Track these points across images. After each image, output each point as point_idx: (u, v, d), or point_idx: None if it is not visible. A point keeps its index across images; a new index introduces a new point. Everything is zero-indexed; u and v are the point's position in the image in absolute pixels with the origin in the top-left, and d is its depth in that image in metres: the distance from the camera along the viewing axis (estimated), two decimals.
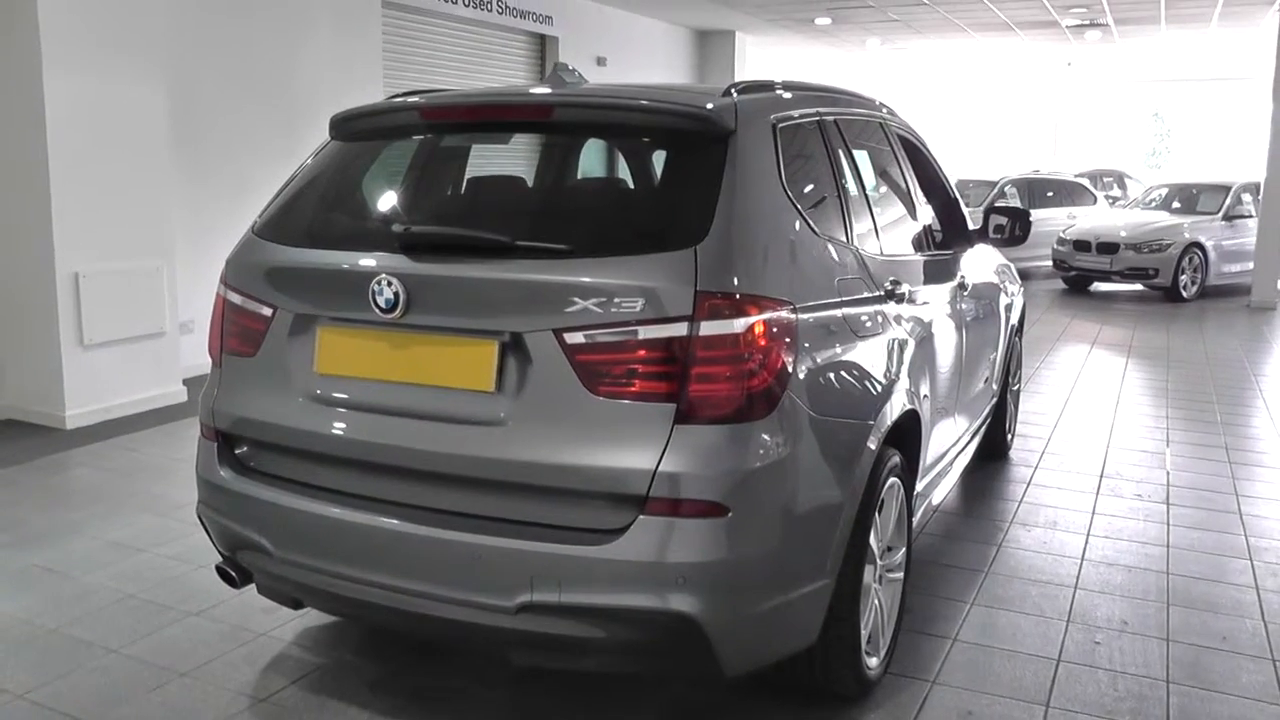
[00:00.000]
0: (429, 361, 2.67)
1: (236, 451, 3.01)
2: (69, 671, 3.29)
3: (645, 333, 2.43)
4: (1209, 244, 12.94)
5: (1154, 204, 14.44)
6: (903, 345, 3.33)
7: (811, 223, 2.90)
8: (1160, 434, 6.61)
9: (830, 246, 2.99)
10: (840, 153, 3.35)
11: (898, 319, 3.32)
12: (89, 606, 3.77)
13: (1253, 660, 3.53)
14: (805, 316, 2.68)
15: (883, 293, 3.24)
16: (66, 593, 3.90)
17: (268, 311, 2.89)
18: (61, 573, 4.08)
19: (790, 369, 2.56)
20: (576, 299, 2.46)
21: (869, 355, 3.02)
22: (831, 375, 2.76)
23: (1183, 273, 12.81)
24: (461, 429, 2.59)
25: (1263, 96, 22.94)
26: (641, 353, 2.44)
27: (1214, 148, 28.15)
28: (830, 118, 3.39)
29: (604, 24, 13.09)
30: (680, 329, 2.42)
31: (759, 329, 2.48)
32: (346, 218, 3.14)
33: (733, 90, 2.91)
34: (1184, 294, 12.89)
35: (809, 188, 3.04)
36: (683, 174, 2.76)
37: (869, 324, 3.07)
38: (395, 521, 2.63)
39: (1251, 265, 12.77)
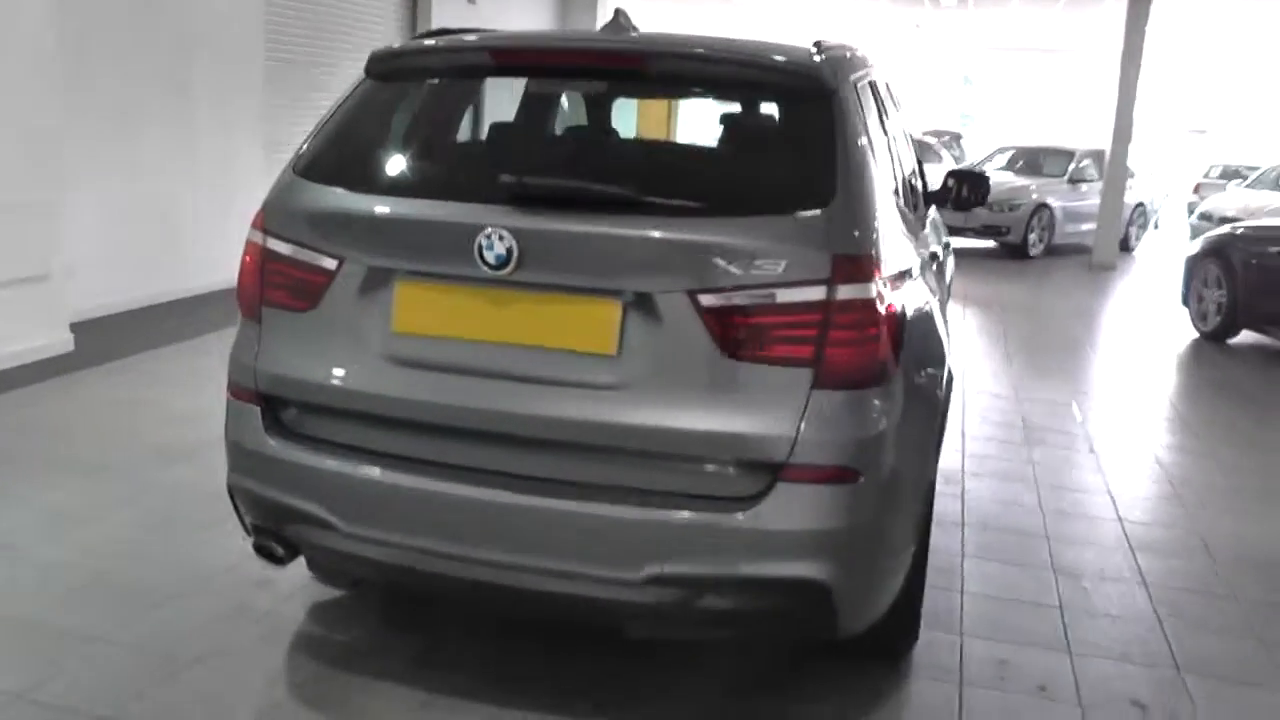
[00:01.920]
0: (540, 322, 2.49)
1: (282, 416, 2.74)
2: (63, 665, 2.94)
3: (783, 295, 2.36)
4: (1056, 205, 13.75)
5: (999, 166, 15.20)
6: (942, 305, 3.38)
7: (890, 185, 2.89)
8: (1064, 385, 7.02)
9: (903, 209, 2.99)
10: (884, 114, 3.36)
11: (939, 278, 3.37)
12: (57, 588, 3.38)
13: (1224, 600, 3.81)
14: (906, 279, 2.69)
15: (930, 254, 3.27)
16: (24, 574, 3.48)
17: (331, 263, 2.62)
18: (7, 547, 3.65)
19: (903, 332, 2.56)
20: (715, 259, 2.35)
21: (935, 316, 3.06)
22: (919, 337, 2.77)
23: (1031, 231, 13.58)
24: (577, 393, 2.44)
25: (1073, 68, 24.67)
26: (780, 316, 2.37)
27: (1021, 113, 29.69)
28: (873, 77, 3.37)
29: None
30: (818, 292, 2.36)
31: (885, 293, 2.46)
32: (428, 163, 2.88)
33: (819, 47, 2.84)
34: (1031, 252, 13.68)
35: (880, 150, 3.02)
36: (798, 131, 2.66)
37: (932, 285, 3.11)
38: (500, 492, 2.46)
39: (1093, 226, 13.67)
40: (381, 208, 2.62)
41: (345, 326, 2.61)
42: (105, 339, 6.53)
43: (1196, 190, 17.32)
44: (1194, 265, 8.93)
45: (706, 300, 2.36)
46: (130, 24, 7.30)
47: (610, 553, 2.41)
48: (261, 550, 2.82)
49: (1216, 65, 23.51)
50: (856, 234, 2.43)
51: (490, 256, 2.42)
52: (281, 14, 9.23)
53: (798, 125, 2.65)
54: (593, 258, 2.44)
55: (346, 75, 10.21)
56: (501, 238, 2.41)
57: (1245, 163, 18.32)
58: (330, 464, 2.61)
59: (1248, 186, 14.26)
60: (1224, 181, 17.16)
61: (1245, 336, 8.70)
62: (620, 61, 2.80)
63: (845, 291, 2.36)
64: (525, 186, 2.49)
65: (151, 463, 4.48)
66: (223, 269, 8.26)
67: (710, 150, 2.95)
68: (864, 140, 2.68)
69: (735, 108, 3.41)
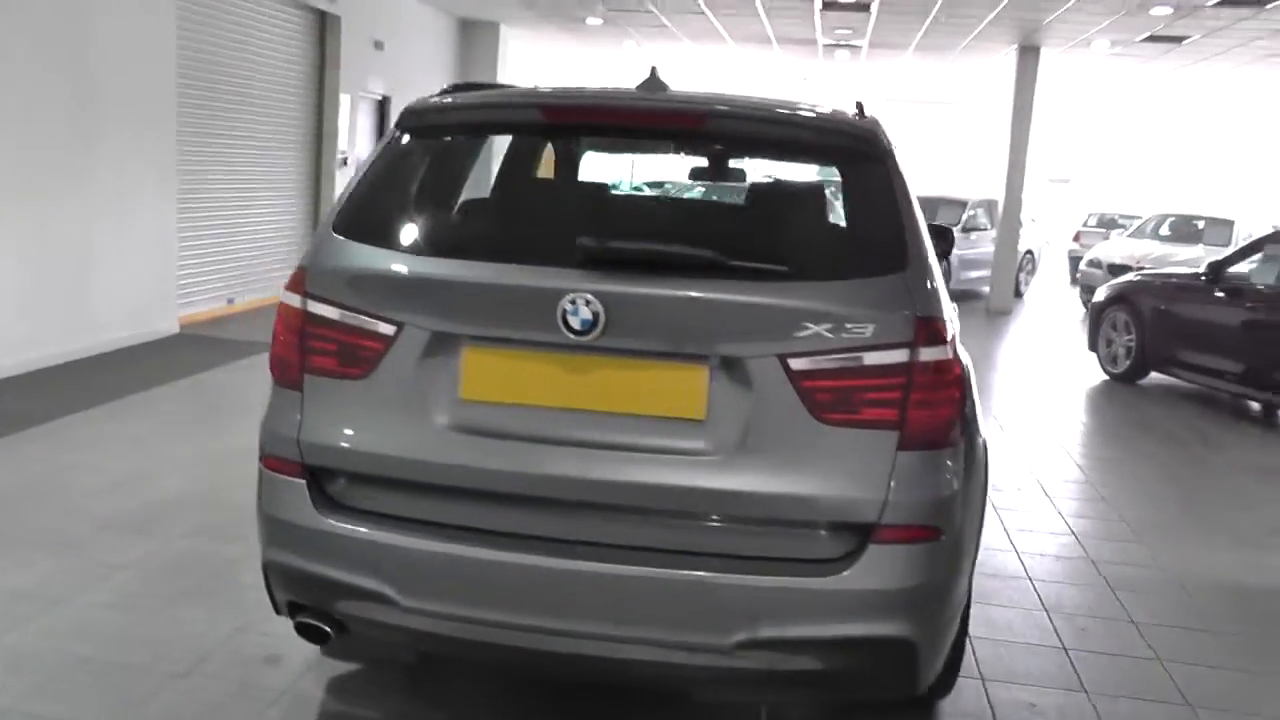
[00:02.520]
0: (624, 387, 2.43)
1: (329, 488, 2.58)
2: None
3: (870, 359, 2.37)
4: (953, 253, 14.26)
5: None
6: None
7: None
8: (989, 425, 7.23)
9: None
10: None
11: None
12: (37, 675, 3.10)
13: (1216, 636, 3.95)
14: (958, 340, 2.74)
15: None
16: None
17: (388, 329, 2.49)
18: None
19: (967, 393, 2.60)
20: (806, 323, 2.34)
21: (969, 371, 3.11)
22: (971, 398, 2.82)
23: None
24: (664, 459, 2.39)
25: (963, 119, 25.83)
26: (868, 379, 2.38)
27: (913, 163, 30.90)
28: None
29: (382, 7, 12.43)
30: (902, 355, 2.38)
31: (955, 354, 2.51)
32: (492, 224, 2.77)
33: (861, 109, 2.89)
34: None
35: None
36: (864, 194, 2.67)
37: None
38: (582, 562, 2.37)
39: (985, 273, 14.23)
40: (448, 271, 2.52)
41: (405, 395, 2.49)
42: (22, 401, 6.12)
43: (1077, 239, 18.22)
44: (1101, 311, 9.37)
45: (797, 364, 2.35)
46: (32, 76, 6.95)
47: (699, 619, 2.36)
48: (305, 630, 2.64)
49: (1075, 117, 24.93)
50: (931, 297, 2.47)
51: (575, 322, 2.35)
52: (191, 62, 8.95)
53: (862, 187, 2.66)
54: (680, 322, 2.39)
55: (257, 124, 9.99)
56: (588, 302, 2.34)
57: (1119, 211, 19.43)
58: (389, 536, 2.47)
59: (1130, 236, 15.10)
60: (1103, 230, 18.12)
61: (1154, 378, 9.15)
62: (683, 122, 2.77)
63: (927, 354, 2.39)
64: (610, 250, 2.43)
65: (106, 536, 4.19)
66: (135, 324, 7.90)
67: (788, 211, 2.94)
68: (914, 203, 2.73)
69: (795, 168, 3.41)
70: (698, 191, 7.65)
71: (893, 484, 2.37)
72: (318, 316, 2.56)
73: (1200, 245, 13.78)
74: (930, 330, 2.40)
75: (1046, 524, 5.20)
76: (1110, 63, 15.03)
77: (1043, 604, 4.15)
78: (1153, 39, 12.34)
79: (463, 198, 2.89)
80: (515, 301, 2.43)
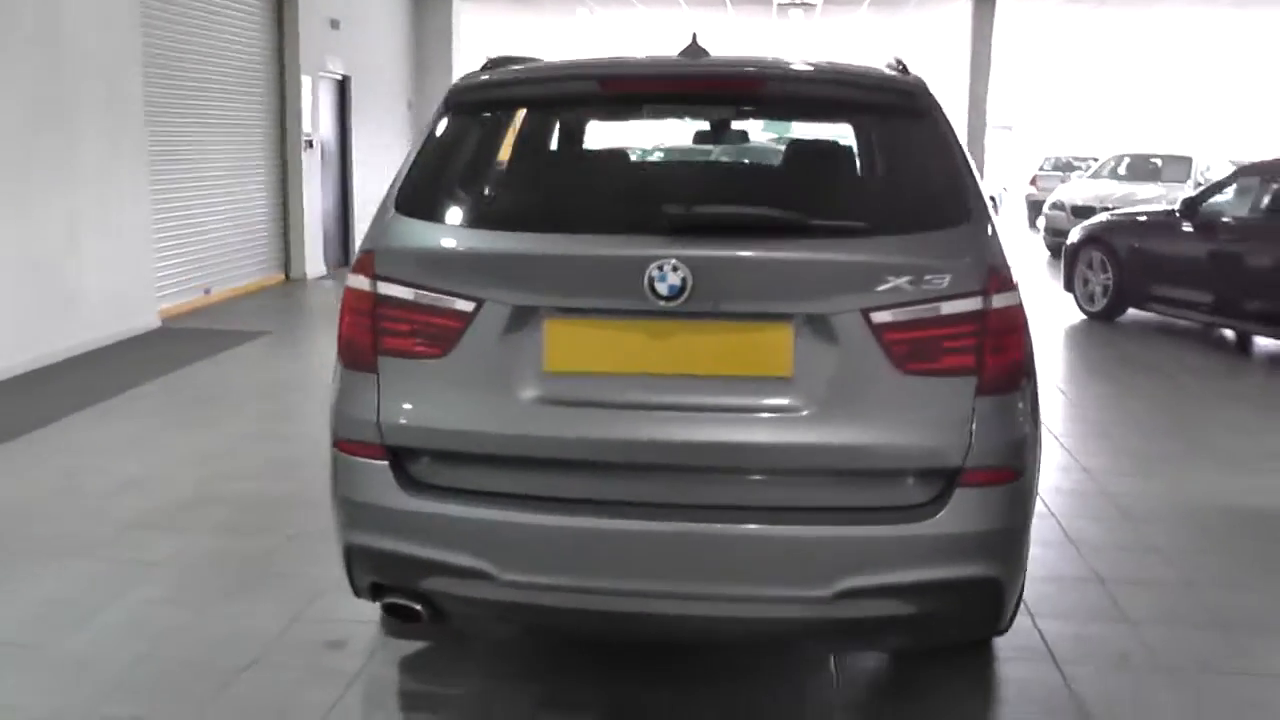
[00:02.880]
0: (711, 350, 2.46)
1: (411, 468, 2.58)
2: None
3: (948, 308, 2.42)
4: None
5: None
6: None
7: None
8: None
9: None
10: None
11: None
12: (103, 677, 3.07)
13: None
14: None
15: None
16: (48, 672, 3.13)
17: (467, 306, 2.48)
18: (17, 646, 3.28)
19: (1028, 335, 2.66)
20: (887, 277, 2.39)
21: None
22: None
23: None
24: (755, 418, 2.43)
25: (924, 72, 25.99)
26: (946, 328, 2.43)
27: None
28: None
29: None
30: (976, 303, 2.43)
31: (1020, 300, 2.56)
32: (564, 195, 2.77)
33: (904, 67, 2.92)
34: None
35: None
36: (922, 149, 2.69)
37: None
38: (682, 524, 2.42)
39: None
40: (527, 245, 2.52)
41: (488, 370, 2.49)
42: (12, 406, 6.00)
43: (1034, 183, 18.46)
44: (1076, 252, 9.52)
45: (879, 318, 2.40)
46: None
47: (799, 572, 2.42)
48: (396, 610, 2.65)
49: (1017, 65, 25.21)
50: (997, 246, 2.52)
51: (663, 288, 2.37)
52: (156, 49, 8.75)
53: (921, 142, 2.69)
54: (764, 283, 2.44)
55: (222, 109, 9.80)
56: (676, 268, 2.36)
57: (1073, 154, 19.70)
58: (481, 512, 2.48)
59: (1090, 177, 15.31)
60: (1059, 173, 18.36)
61: (1130, 314, 9.34)
62: (744, 86, 2.79)
63: (998, 300, 2.45)
64: (696, 215, 2.45)
65: (133, 536, 4.13)
66: (118, 321, 7.75)
67: (855, 169, 2.97)
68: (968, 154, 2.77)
69: (863, 126, 3.37)
70: (717, 154, 7.61)
71: (974, 428, 2.43)
72: (390, 298, 2.55)
73: (1159, 183, 14.02)
74: (1000, 278, 2.46)
75: (1057, 460, 5.31)
76: (1063, 9, 15.18)
77: (1069, 538, 4.25)
78: None
79: (518, 171, 2.87)
80: (600, 271, 2.45)
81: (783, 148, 3.91)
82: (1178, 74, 24.28)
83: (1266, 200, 8.04)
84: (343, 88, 12.53)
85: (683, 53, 2.98)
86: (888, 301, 2.40)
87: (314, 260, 11.59)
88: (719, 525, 2.41)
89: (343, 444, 2.63)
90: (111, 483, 4.74)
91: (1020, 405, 2.53)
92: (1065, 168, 18.78)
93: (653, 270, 2.37)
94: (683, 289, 2.37)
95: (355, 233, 12.84)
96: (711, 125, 3.90)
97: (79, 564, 3.86)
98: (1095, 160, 17.27)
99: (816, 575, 2.40)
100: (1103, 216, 10.00)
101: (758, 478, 2.48)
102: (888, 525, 2.41)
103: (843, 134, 3.66)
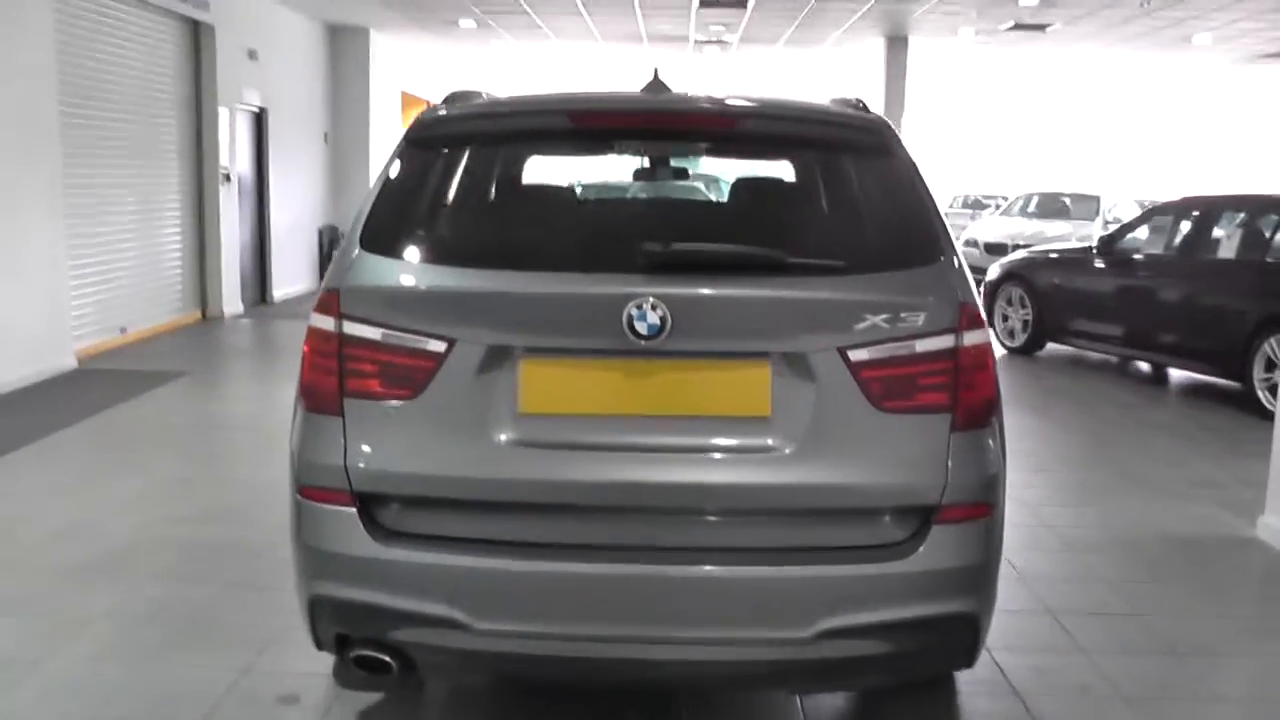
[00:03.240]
0: (689, 390, 2.43)
1: (379, 515, 2.49)
2: None
3: (922, 346, 2.44)
4: None
5: None
6: None
7: None
8: None
9: None
10: None
11: None
12: None
13: None
14: None
15: None
16: None
17: (438, 346, 2.42)
18: None
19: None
20: (864, 315, 2.40)
21: None
22: None
23: None
24: (733, 459, 2.41)
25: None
26: (921, 365, 2.45)
27: None
28: None
29: (253, 15, 11.98)
30: (950, 340, 2.46)
31: (990, 338, 2.61)
32: (536, 233, 2.71)
33: (864, 106, 2.97)
34: None
35: None
36: (892, 187, 2.71)
37: None
38: (662, 568, 2.37)
39: None
40: (501, 283, 2.46)
41: (460, 412, 2.43)
42: None
43: None
44: (996, 288, 9.79)
45: (856, 355, 2.41)
46: None
47: (779, 614, 2.39)
48: (364, 662, 2.54)
49: (921, 103, 25.97)
50: (967, 283, 2.56)
51: (642, 327, 2.34)
52: (70, 80, 8.47)
53: (891, 180, 2.71)
54: (742, 321, 2.42)
55: (138, 142, 9.50)
56: (654, 307, 2.34)
57: (981, 193, 20.31)
58: (454, 559, 2.40)
59: (1002, 215, 15.80)
60: (969, 210, 18.92)
61: (1050, 348, 9.62)
62: (716, 123, 2.79)
63: (969, 338, 2.48)
64: (676, 253, 2.43)
65: (68, 589, 3.92)
66: (32, 362, 7.41)
67: (823, 208, 2.98)
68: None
69: (826, 163, 3.38)
70: (659, 192, 7.62)
71: (950, 465, 2.45)
72: (357, 338, 2.47)
73: (1068, 220, 14.54)
74: (971, 315, 2.49)
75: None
76: (975, 50, 15.72)
77: (1017, 572, 4.31)
78: (1018, 27, 12.96)
79: (488, 208, 2.83)
80: (577, 310, 2.41)
81: (723, 184, 3.91)
82: (1080, 114, 25.27)
83: (1179, 238, 8.39)
84: (259, 120, 12.29)
85: (645, 88, 2.98)
86: (865, 340, 2.41)
87: (231, 298, 11.28)
88: (700, 568, 2.38)
89: (306, 490, 2.53)
90: (41, 532, 4.51)
91: (991, 441, 2.56)
92: (975, 205, 19.37)
93: (631, 309, 2.34)
94: (662, 328, 2.35)
95: (272, 269, 12.56)
96: (652, 162, 3.93)
97: (9, 620, 3.65)
98: (1004, 199, 17.83)
99: (796, 616, 2.38)
100: (1021, 254, 10.31)
101: (738, 519, 2.45)
102: (866, 564, 2.40)
103: (785, 171, 3.70)
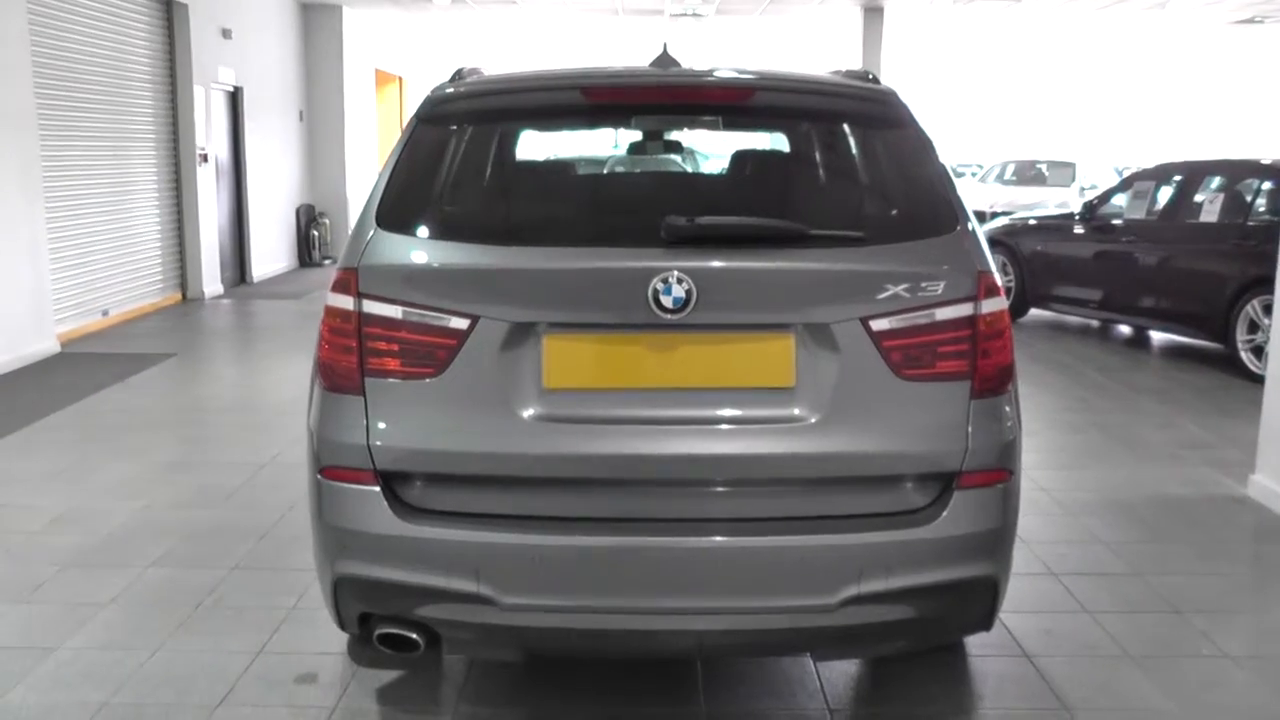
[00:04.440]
0: (713, 362, 2.44)
1: (403, 493, 2.49)
2: None
3: (941, 314, 2.46)
4: None
5: None
6: None
7: None
8: None
9: None
10: None
11: None
12: None
13: None
14: None
15: None
16: None
17: (461, 323, 2.41)
18: None
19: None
20: (885, 285, 2.42)
21: None
22: None
23: None
24: (759, 430, 2.43)
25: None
26: (941, 334, 2.47)
27: None
28: None
29: None
30: (968, 309, 2.48)
31: (1006, 305, 2.63)
32: (557, 208, 2.70)
33: (874, 79, 2.97)
34: None
35: None
36: (907, 158, 2.72)
37: None
38: (685, 538, 2.40)
39: None
40: (524, 259, 2.46)
41: (484, 389, 2.43)
42: None
43: None
44: None
45: (878, 325, 2.43)
46: None
47: (807, 581, 2.42)
48: (391, 640, 2.55)
49: (896, 72, 25.99)
50: (984, 252, 2.58)
51: (668, 301, 2.35)
52: (46, 61, 8.31)
53: (906, 151, 2.72)
54: (766, 293, 2.43)
55: (115, 123, 9.35)
56: (680, 280, 2.35)
57: (957, 161, 20.36)
58: (481, 535, 2.41)
59: (979, 182, 15.86)
60: None
61: (1032, 314, 9.70)
62: (732, 96, 2.79)
63: (988, 305, 2.51)
64: (700, 227, 2.42)
65: (72, 576, 3.90)
66: (14, 348, 7.32)
67: (846, 178, 2.98)
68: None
69: (844, 134, 3.37)
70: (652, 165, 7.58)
71: (970, 431, 2.48)
72: (377, 317, 2.46)
73: (1045, 187, 14.62)
74: (989, 283, 2.52)
75: None
76: (950, 19, 15.70)
77: (1019, 536, 4.36)
78: None
79: (504, 184, 2.81)
80: (601, 285, 2.41)
81: (699, 157, 3.86)
82: (1056, 81, 25.37)
83: (1161, 203, 8.46)
84: (235, 99, 12.13)
85: (654, 62, 2.97)
86: (886, 309, 2.43)
87: (211, 279, 11.18)
88: (726, 539, 2.41)
89: (328, 470, 2.53)
90: (39, 520, 4.46)
91: (1008, 408, 2.59)
92: (952, 173, 19.39)
93: (657, 283, 2.35)
94: (687, 301, 2.36)
95: (250, 249, 12.43)
96: (645, 136, 3.91)
97: (17, 608, 3.63)
98: (980, 166, 17.90)
99: (823, 584, 2.41)
100: (1003, 220, 10.37)
101: (764, 489, 2.48)
102: (891, 531, 2.44)
103: (781, 144, 3.69)
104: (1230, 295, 7.33)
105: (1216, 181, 8.12)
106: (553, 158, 2.88)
